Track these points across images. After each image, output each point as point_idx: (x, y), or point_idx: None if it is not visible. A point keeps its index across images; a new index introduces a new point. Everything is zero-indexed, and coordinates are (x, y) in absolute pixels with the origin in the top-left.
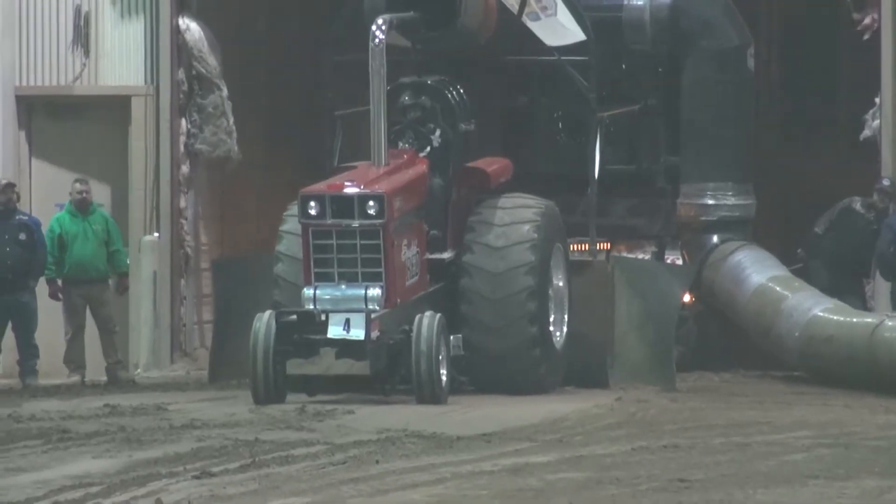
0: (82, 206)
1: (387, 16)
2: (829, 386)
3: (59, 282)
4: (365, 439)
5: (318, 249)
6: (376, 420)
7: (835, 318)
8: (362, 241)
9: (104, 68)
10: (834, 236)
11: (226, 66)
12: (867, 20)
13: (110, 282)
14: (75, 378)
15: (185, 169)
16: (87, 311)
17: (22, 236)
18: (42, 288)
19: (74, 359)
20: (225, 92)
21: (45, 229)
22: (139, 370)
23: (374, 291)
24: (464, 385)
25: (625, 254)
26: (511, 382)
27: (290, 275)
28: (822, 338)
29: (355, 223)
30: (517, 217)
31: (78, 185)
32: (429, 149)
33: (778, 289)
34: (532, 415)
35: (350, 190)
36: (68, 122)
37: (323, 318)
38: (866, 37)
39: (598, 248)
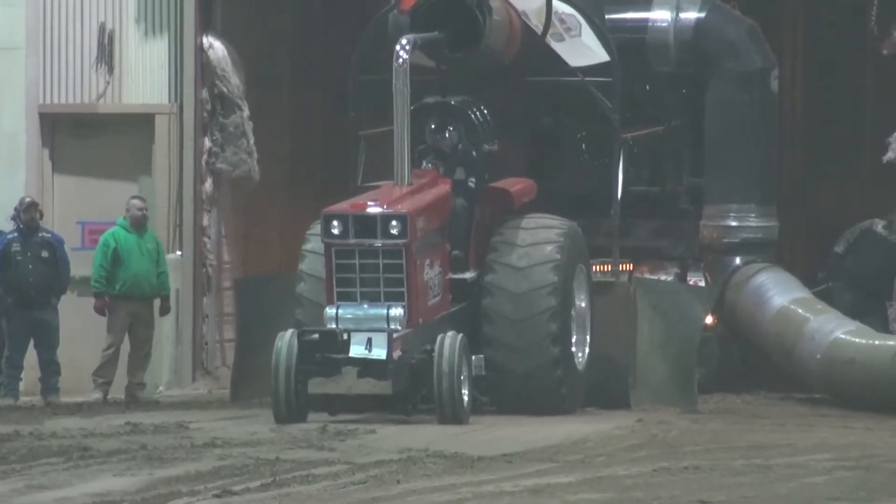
0: (141, 223)
1: (411, 36)
2: (850, 408)
3: (107, 297)
4: (386, 459)
5: (341, 269)
6: (398, 440)
7: (857, 340)
8: (385, 261)
9: (128, 86)
10: (855, 258)
11: (249, 85)
12: (886, 42)
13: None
14: (98, 395)
15: (208, 187)
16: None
17: (45, 254)
18: (64, 305)
19: (105, 375)
20: (246, 112)
21: (67, 247)
22: (161, 388)
23: (397, 311)
24: (485, 405)
25: (647, 275)
26: (533, 403)
27: (313, 294)
28: (843, 360)
29: (378, 243)
30: (540, 237)
31: (138, 202)
32: (452, 169)
33: (800, 311)
34: (553, 435)
35: (373, 209)
36: (92, 139)
37: (345, 337)
38: (884, 51)
39: (620, 269)
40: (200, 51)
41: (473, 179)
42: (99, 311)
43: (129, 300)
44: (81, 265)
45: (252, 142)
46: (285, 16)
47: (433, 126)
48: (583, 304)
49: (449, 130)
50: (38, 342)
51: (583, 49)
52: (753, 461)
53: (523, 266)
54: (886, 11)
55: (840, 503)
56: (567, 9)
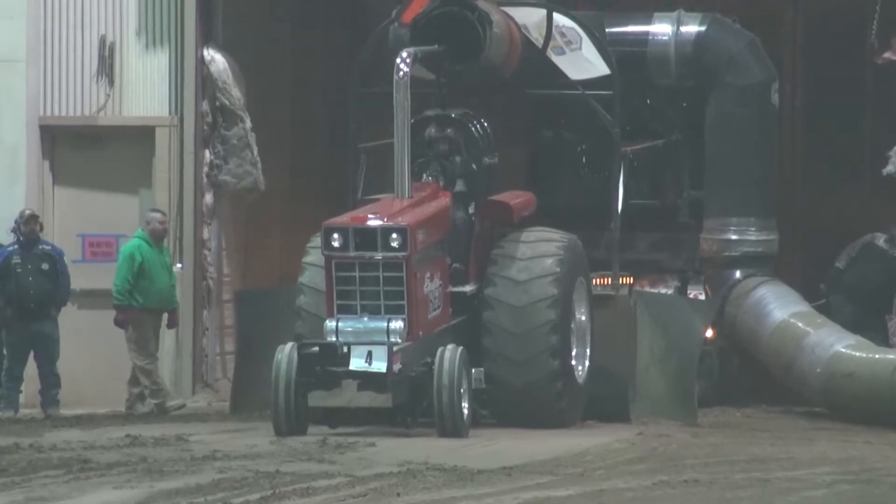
0: (161, 237)
1: (411, 49)
2: (850, 422)
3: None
4: (386, 472)
5: (341, 281)
6: (397, 453)
7: (857, 354)
8: (385, 274)
9: (128, 99)
10: (856, 272)
11: (250, 97)
12: (886, 54)
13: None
14: (178, 401)
15: (208, 200)
16: None
17: (45, 266)
18: (64, 318)
19: (163, 387)
20: (248, 124)
21: (67, 259)
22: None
23: (397, 324)
24: (485, 418)
25: (647, 288)
26: (532, 416)
27: (313, 307)
28: (843, 374)
29: (378, 255)
30: (540, 251)
31: (159, 216)
32: (452, 182)
33: (800, 325)
34: (553, 448)
35: (373, 222)
36: (92, 152)
37: (345, 350)
38: (878, 61)
39: (620, 282)
40: (201, 63)
41: (474, 192)
42: (120, 324)
43: (150, 313)
44: (81, 278)
45: (256, 153)
46: (286, 28)
47: (433, 139)
48: (583, 318)
49: (449, 143)
50: (38, 354)
51: (583, 62)
52: (753, 475)
53: (523, 279)
54: (887, 24)
55: None
56: (567, 22)
